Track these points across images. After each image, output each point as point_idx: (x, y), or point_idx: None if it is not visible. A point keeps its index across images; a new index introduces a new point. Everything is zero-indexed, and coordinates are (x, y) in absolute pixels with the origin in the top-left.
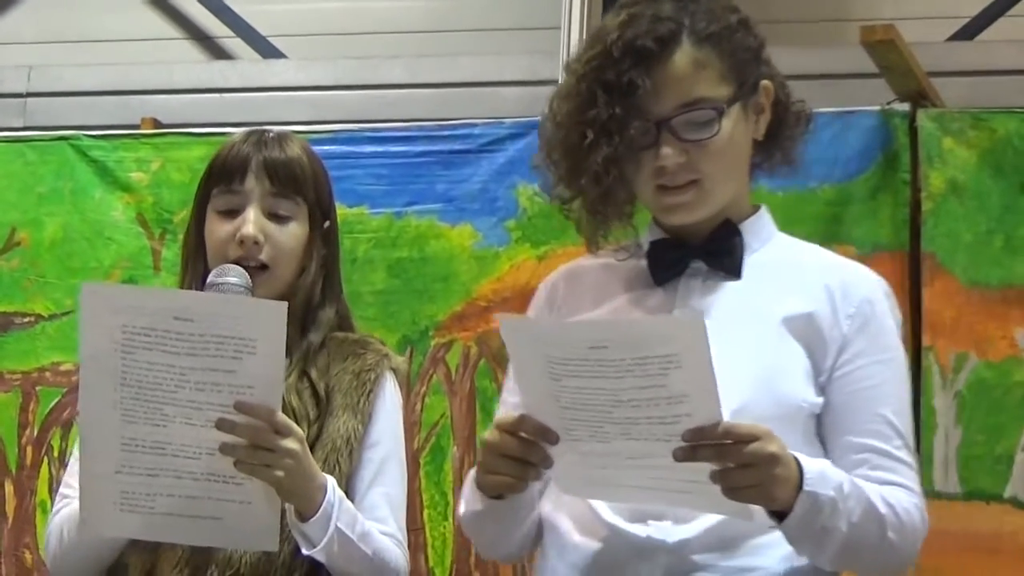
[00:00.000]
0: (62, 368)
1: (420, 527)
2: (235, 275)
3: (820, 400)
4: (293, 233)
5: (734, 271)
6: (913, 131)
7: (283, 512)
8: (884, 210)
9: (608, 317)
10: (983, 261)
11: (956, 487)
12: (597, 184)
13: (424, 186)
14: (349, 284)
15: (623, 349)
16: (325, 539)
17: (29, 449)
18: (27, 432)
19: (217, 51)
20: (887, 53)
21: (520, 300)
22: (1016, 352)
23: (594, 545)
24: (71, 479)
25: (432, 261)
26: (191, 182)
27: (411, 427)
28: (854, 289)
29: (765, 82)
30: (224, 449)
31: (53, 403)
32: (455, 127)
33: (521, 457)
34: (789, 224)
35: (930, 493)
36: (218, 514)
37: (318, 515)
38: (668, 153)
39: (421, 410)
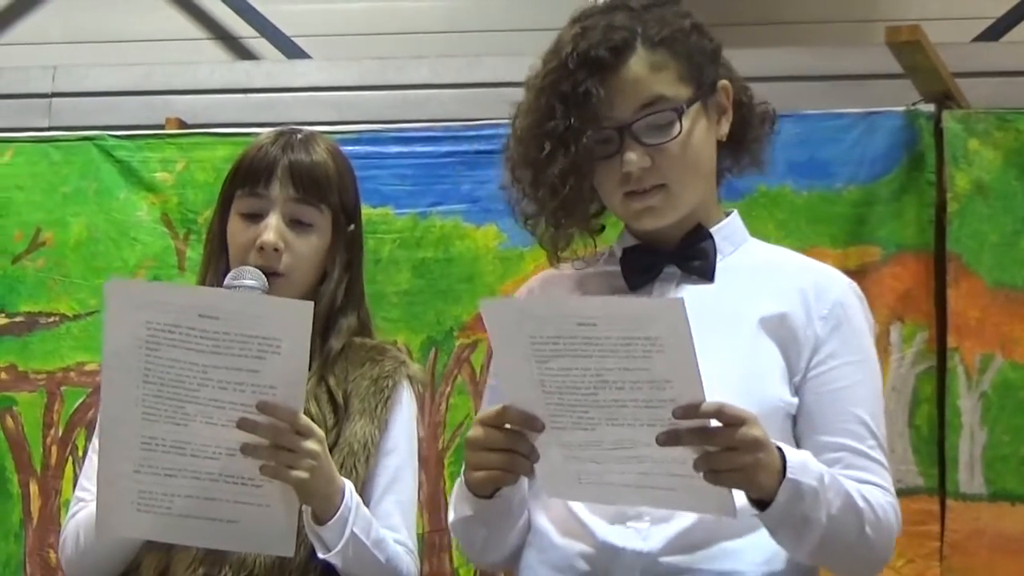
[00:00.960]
0: (87, 368)
1: (444, 528)
2: (252, 277)
3: (795, 400)
4: (313, 242)
5: (707, 275)
6: (938, 132)
7: (299, 515)
8: (909, 211)
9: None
10: (1008, 262)
11: (982, 488)
12: (554, 195)
13: (449, 186)
14: (373, 284)
15: (611, 327)
16: (341, 543)
17: (54, 449)
18: (52, 432)
19: (242, 51)
20: (912, 54)
21: None
22: None
23: (574, 546)
24: (87, 481)
25: (457, 262)
26: (216, 182)
27: (435, 427)
28: (827, 291)
29: (724, 82)
30: (245, 449)
31: (78, 403)
32: (480, 127)
33: (508, 448)
34: (813, 224)
35: (955, 494)
36: (235, 517)
37: (335, 519)
38: (632, 159)
39: (446, 410)
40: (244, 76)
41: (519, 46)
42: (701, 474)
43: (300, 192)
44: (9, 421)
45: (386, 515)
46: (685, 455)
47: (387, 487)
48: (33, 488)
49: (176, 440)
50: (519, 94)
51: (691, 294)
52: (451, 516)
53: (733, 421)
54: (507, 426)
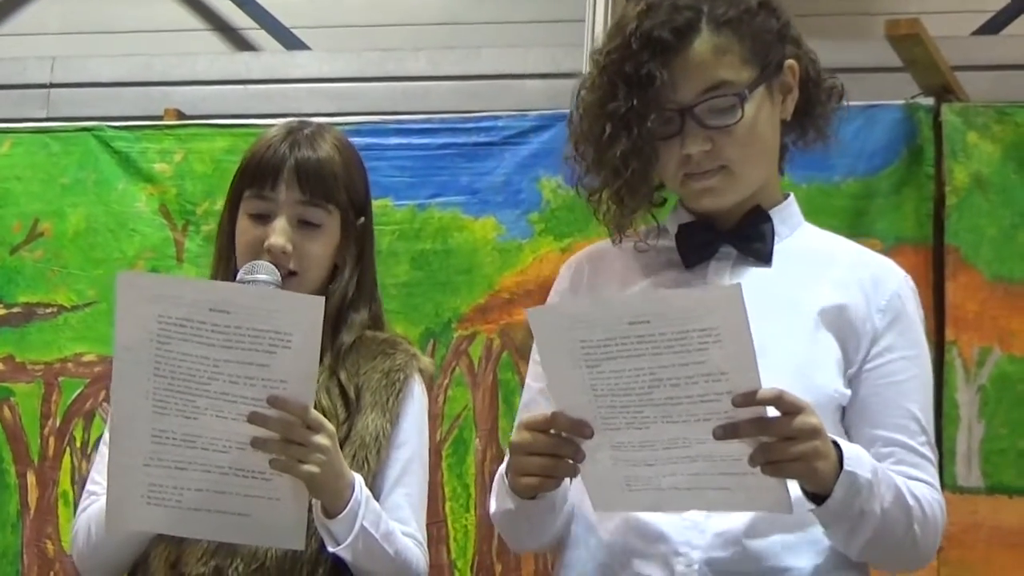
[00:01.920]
0: (85, 359)
1: (442, 519)
2: (265, 272)
3: (848, 392)
4: (322, 241)
5: (764, 258)
6: (937, 125)
7: (309, 509)
8: (908, 204)
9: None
10: (1007, 255)
11: (979, 481)
12: (617, 177)
13: (447, 178)
14: None
15: (664, 323)
16: (351, 537)
17: (51, 440)
18: (49, 423)
19: (241, 42)
20: (912, 47)
21: (543, 293)
22: None
23: (611, 535)
24: (98, 475)
25: (455, 253)
26: (214, 173)
27: (433, 419)
28: (884, 283)
29: (790, 61)
30: (256, 443)
31: (75, 394)
32: (479, 119)
33: (552, 453)
34: (813, 217)
35: (953, 487)
36: (246, 510)
37: (345, 512)
38: (693, 141)
39: (443, 402)
40: (243, 67)
41: (517, 38)
42: (755, 470)
43: (307, 194)
44: (6, 412)
45: (396, 508)
46: (739, 451)
47: (397, 480)
48: (30, 479)
49: (187, 433)
50: (518, 86)
51: (748, 278)
52: (492, 506)
53: (791, 409)
54: (553, 431)
